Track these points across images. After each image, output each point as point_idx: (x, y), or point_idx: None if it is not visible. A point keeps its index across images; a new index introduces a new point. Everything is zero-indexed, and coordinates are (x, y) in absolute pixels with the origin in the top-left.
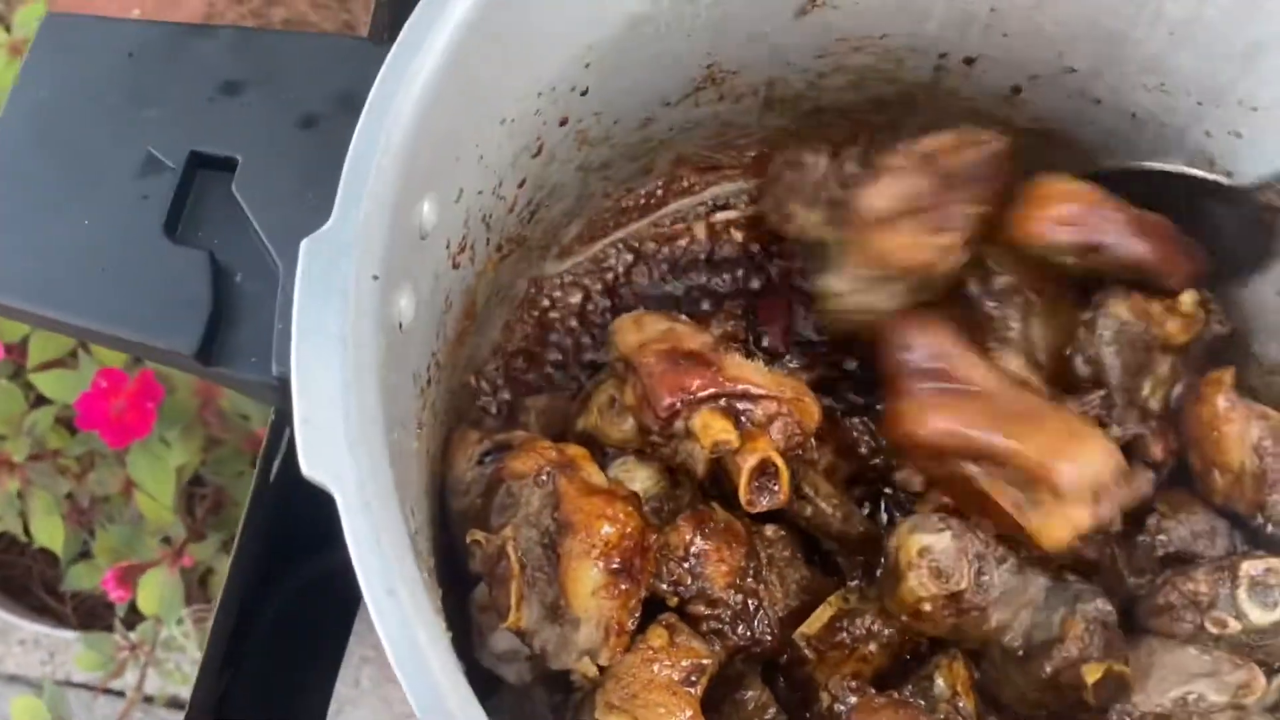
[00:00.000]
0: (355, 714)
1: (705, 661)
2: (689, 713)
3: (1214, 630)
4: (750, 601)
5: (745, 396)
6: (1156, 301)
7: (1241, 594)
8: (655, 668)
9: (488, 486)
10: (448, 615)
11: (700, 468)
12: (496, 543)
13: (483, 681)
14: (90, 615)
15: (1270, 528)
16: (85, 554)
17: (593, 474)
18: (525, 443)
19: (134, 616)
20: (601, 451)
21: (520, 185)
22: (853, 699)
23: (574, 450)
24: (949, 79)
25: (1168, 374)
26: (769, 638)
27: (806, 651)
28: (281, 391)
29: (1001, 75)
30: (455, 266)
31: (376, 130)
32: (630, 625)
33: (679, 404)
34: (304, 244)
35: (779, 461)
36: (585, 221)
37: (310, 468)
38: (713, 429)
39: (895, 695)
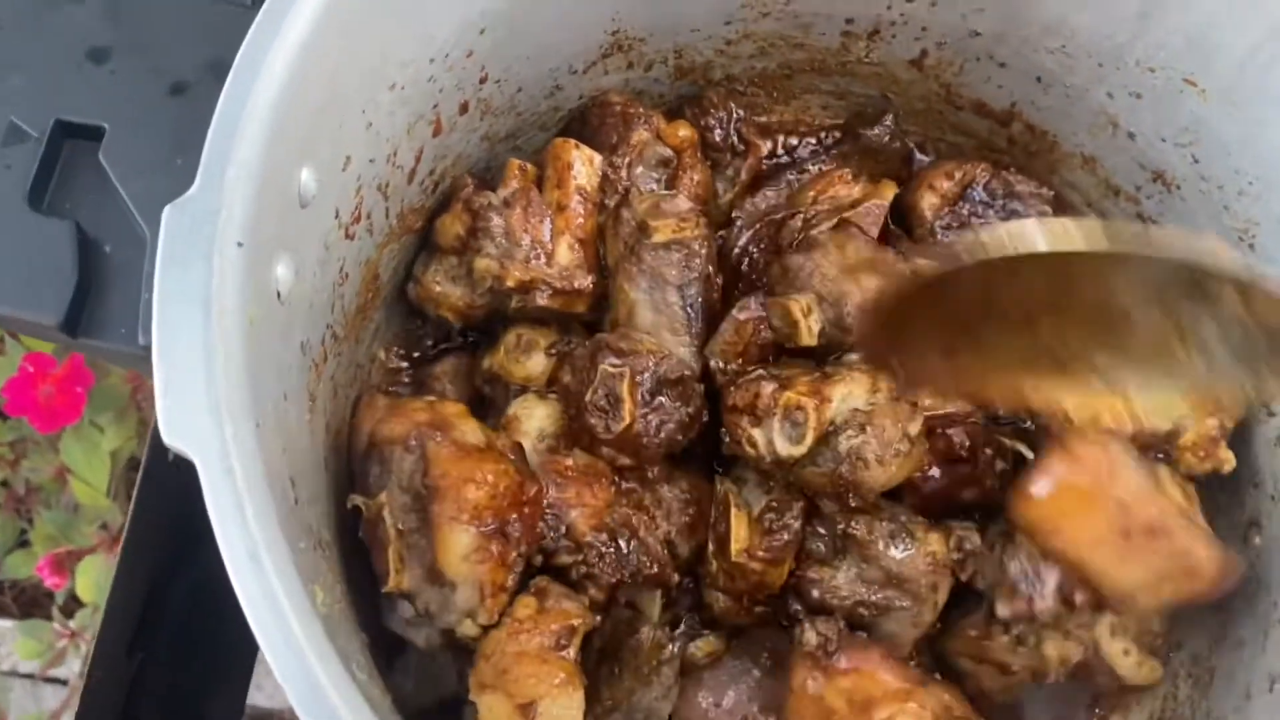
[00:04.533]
0: None
1: (575, 622)
2: (561, 676)
3: (749, 451)
4: (621, 537)
5: None
6: None
7: (776, 422)
8: (522, 639)
9: (365, 452)
10: (365, 583)
11: None
12: (374, 508)
13: (391, 646)
14: (32, 604)
15: None
16: (25, 542)
17: (468, 432)
18: (397, 405)
19: (74, 604)
20: (506, 388)
21: (418, 155)
22: (811, 635)
23: (449, 409)
24: (857, 45)
25: None
26: (651, 567)
27: (755, 565)
28: (150, 362)
29: (908, 40)
30: (349, 237)
31: (243, 95)
32: (509, 583)
33: None
34: (166, 210)
35: None
36: None
37: (170, 435)
38: None
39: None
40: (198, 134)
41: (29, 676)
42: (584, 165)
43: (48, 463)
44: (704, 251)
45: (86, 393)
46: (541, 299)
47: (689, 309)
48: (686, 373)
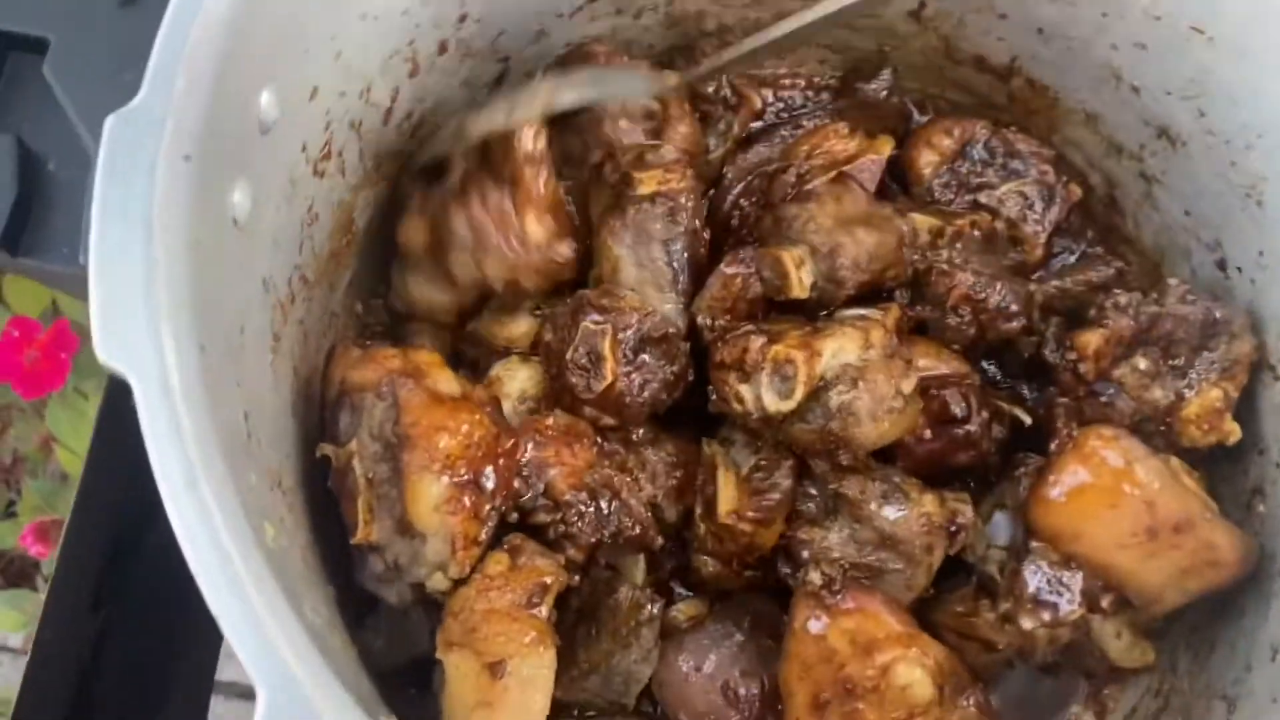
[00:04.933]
0: None
1: (548, 580)
2: (531, 635)
3: (736, 407)
4: (602, 497)
5: None
6: None
7: (764, 376)
8: (492, 596)
9: (335, 399)
10: (336, 536)
11: None
12: (343, 456)
13: (361, 601)
14: (21, 575)
15: None
16: (13, 513)
17: (440, 381)
18: (369, 352)
19: None
20: (489, 350)
21: (394, 94)
22: (815, 576)
23: (422, 357)
24: None
25: None
26: (633, 528)
27: (744, 526)
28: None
29: None
30: (319, 174)
31: (196, 3)
32: (482, 536)
33: None
34: (108, 120)
35: None
36: None
37: (106, 354)
38: None
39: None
40: (148, 47)
41: (20, 651)
42: (526, 130)
43: (33, 430)
44: (690, 205)
45: (71, 359)
46: (528, 283)
47: (674, 265)
48: (671, 330)
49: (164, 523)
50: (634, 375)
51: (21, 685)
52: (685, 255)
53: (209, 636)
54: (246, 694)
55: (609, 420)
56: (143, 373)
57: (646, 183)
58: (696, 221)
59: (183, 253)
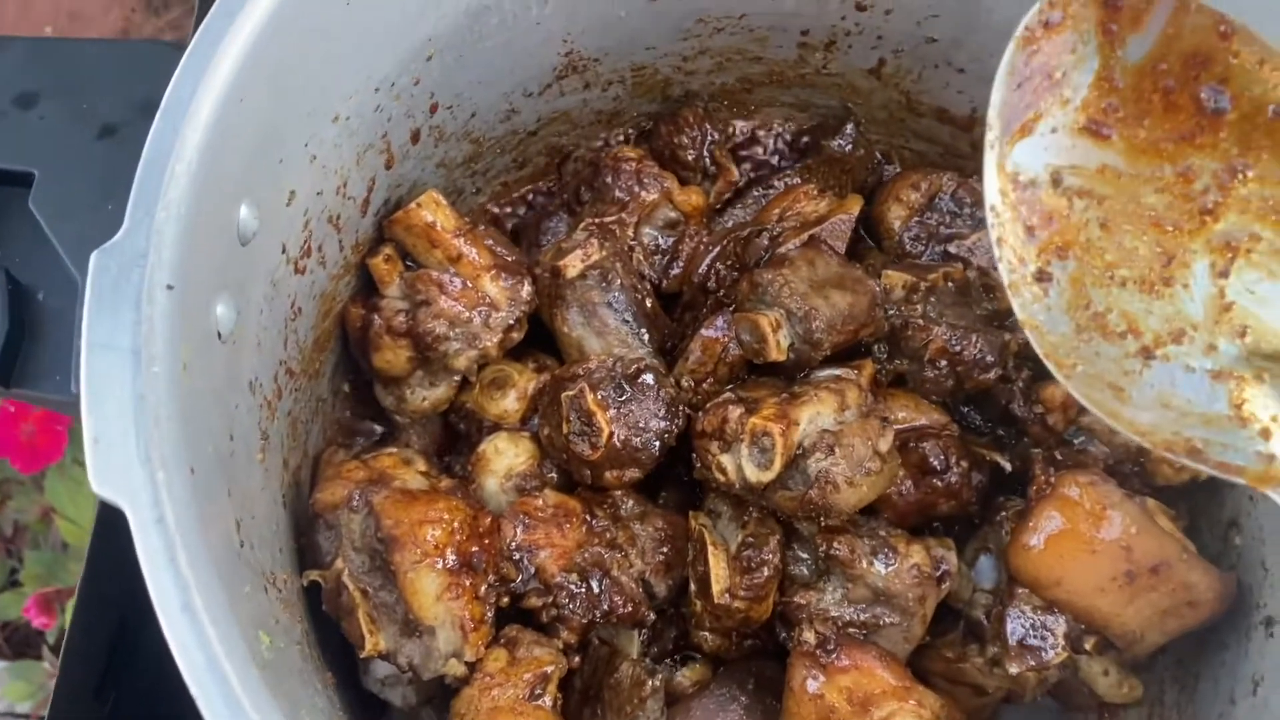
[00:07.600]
0: None
1: (549, 669)
2: None
3: (719, 477)
4: (593, 576)
5: None
6: None
7: (744, 448)
8: (495, 693)
9: (308, 522)
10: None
11: None
12: (331, 576)
13: (373, 706)
14: (25, 644)
15: None
16: (15, 582)
17: (409, 479)
18: (329, 471)
19: None
20: (479, 424)
21: (371, 185)
22: (809, 635)
23: (384, 461)
24: (814, 56)
25: None
26: (625, 606)
27: (738, 605)
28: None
29: (865, 49)
30: (300, 272)
31: (170, 135)
32: (488, 615)
33: None
34: (93, 256)
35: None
36: None
37: (100, 485)
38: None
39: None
40: (129, 177)
41: (25, 716)
42: (434, 211)
43: (33, 502)
44: (618, 266)
45: (68, 431)
46: (517, 335)
47: (625, 317)
48: (642, 364)
49: None
50: (628, 419)
51: None
52: (631, 308)
53: None
54: None
55: (633, 474)
56: (136, 503)
57: (572, 265)
58: (631, 278)
59: (170, 379)
